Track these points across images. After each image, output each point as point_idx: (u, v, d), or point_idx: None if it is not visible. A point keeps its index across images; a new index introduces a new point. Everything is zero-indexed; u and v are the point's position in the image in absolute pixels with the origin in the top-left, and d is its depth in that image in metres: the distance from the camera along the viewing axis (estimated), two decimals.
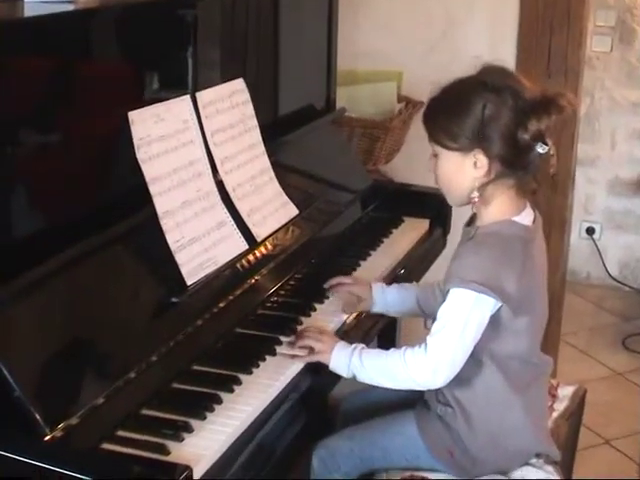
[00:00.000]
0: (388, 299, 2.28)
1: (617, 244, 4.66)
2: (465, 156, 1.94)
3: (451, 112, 1.95)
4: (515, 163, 1.93)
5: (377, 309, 2.30)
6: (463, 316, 1.89)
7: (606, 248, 4.67)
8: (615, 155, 4.57)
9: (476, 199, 1.97)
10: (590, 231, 4.67)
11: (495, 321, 1.93)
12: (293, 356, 2.02)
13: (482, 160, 1.93)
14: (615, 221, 4.64)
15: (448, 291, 1.93)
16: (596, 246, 4.66)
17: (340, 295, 2.28)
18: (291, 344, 2.06)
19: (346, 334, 2.19)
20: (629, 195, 4.60)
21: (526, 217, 2.00)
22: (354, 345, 2.03)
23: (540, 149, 1.91)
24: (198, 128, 2.16)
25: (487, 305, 1.90)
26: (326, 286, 2.29)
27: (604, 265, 4.66)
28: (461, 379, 1.97)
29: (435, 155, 2.00)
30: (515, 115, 1.90)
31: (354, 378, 2.02)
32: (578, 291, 4.52)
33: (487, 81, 1.93)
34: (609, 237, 4.67)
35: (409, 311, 2.30)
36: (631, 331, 4.21)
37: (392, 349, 2.01)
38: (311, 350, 2.02)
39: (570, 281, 4.02)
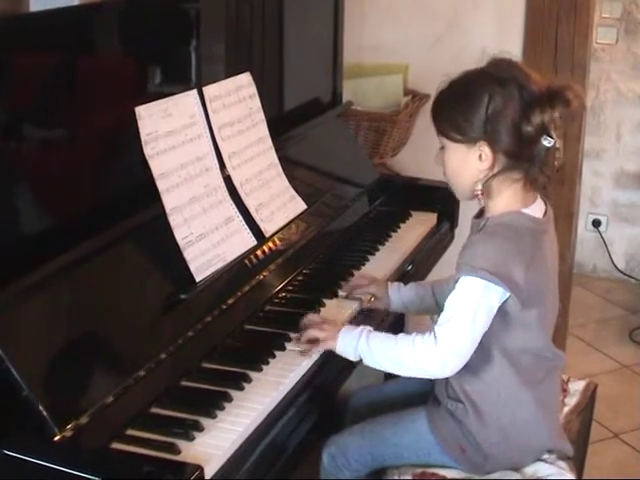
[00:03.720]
0: (405, 298, 2.28)
1: (623, 236, 4.64)
2: (470, 148, 1.93)
3: (457, 104, 1.94)
4: (520, 156, 1.92)
5: (394, 308, 2.30)
6: (472, 305, 1.88)
7: (612, 240, 4.65)
8: (621, 147, 4.55)
9: (479, 192, 1.95)
10: (596, 223, 4.64)
11: (504, 313, 1.91)
12: (301, 352, 2.01)
13: (487, 152, 1.91)
14: (621, 213, 4.62)
15: (457, 280, 1.92)
16: (602, 238, 4.63)
17: (355, 293, 2.28)
18: (298, 340, 2.05)
19: None
20: (635, 187, 4.57)
21: (536, 210, 1.98)
22: (361, 327, 2.01)
23: (546, 142, 1.90)
24: (205, 123, 2.14)
25: (496, 294, 1.88)
26: (343, 292, 2.29)
27: (610, 258, 4.64)
28: (472, 374, 1.96)
29: (442, 148, 1.99)
30: (520, 107, 1.88)
31: (360, 362, 2.00)
32: (584, 284, 4.50)
33: (493, 73, 1.92)
34: (615, 229, 4.64)
35: (427, 308, 2.29)
36: (638, 324, 4.19)
37: (401, 334, 1.98)
38: (316, 341, 2.01)
39: (576, 274, 4.01)
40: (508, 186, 1.94)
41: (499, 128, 1.89)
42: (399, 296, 2.29)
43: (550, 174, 1.96)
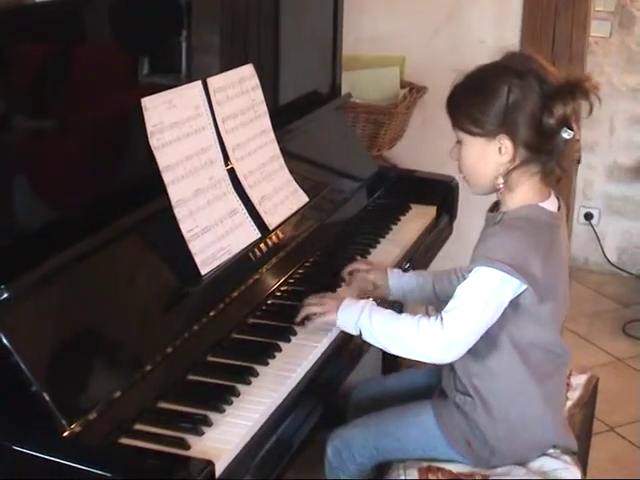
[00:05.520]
0: (405, 286, 2.26)
1: (615, 230, 4.64)
2: (489, 142, 1.91)
3: (475, 97, 1.92)
4: (540, 148, 1.90)
5: (394, 296, 2.28)
6: (485, 295, 1.86)
7: (604, 234, 4.65)
8: (614, 141, 4.54)
9: (501, 186, 1.94)
10: (588, 217, 4.64)
11: (518, 306, 1.90)
12: (301, 323, 2.02)
13: (507, 146, 1.90)
14: (613, 207, 4.62)
15: (471, 270, 1.90)
16: (595, 232, 4.63)
17: (355, 281, 2.26)
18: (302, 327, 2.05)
19: None
20: (627, 181, 4.57)
21: (551, 204, 1.97)
22: (363, 301, 2.00)
23: (565, 134, 1.88)
24: (210, 114, 2.12)
25: (511, 287, 1.87)
26: (343, 273, 2.27)
27: (602, 251, 4.64)
28: (482, 368, 1.95)
29: (459, 142, 1.97)
30: (540, 100, 1.87)
31: (360, 335, 1.99)
32: (577, 277, 4.49)
33: (511, 66, 1.91)
34: (607, 223, 4.64)
35: (426, 298, 2.28)
36: (631, 317, 4.19)
37: (404, 314, 1.96)
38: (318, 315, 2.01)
39: (569, 267, 4.00)
40: (527, 179, 1.93)
41: (519, 121, 1.87)
42: (399, 284, 2.27)
43: (566, 167, 1.95)
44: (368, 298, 2.20)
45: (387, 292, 2.26)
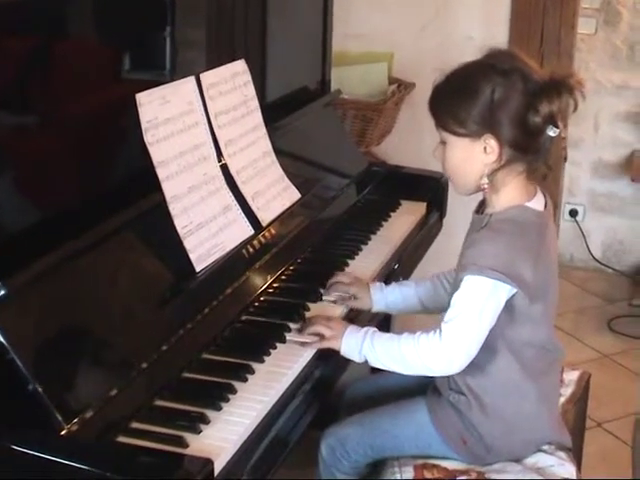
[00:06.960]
0: (388, 298, 2.24)
1: (600, 226, 4.64)
2: (475, 142, 1.89)
3: (459, 97, 1.90)
4: (526, 147, 1.89)
5: (377, 309, 2.25)
6: (479, 304, 1.86)
7: (589, 230, 4.65)
8: (599, 137, 4.55)
9: (485, 186, 1.92)
10: (573, 213, 4.65)
11: (510, 308, 1.89)
12: (303, 344, 1.98)
13: (493, 145, 1.88)
14: (598, 203, 4.62)
15: (462, 279, 1.89)
16: (579, 228, 4.64)
17: (335, 292, 2.23)
18: (300, 332, 2.02)
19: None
20: (612, 177, 4.58)
21: (538, 202, 1.96)
22: (365, 328, 1.99)
23: (551, 132, 1.87)
24: (203, 110, 2.11)
25: (503, 292, 1.86)
26: (326, 290, 2.24)
27: (587, 247, 4.65)
28: (474, 367, 1.94)
29: (443, 142, 1.94)
30: (525, 98, 1.85)
31: (366, 362, 1.99)
32: (562, 273, 4.43)
33: (494, 64, 1.88)
34: (592, 219, 4.65)
35: (411, 309, 2.26)
36: (616, 313, 4.20)
37: (405, 333, 1.96)
38: (321, 337, 1.99)
39: None
40: (512, 179, 1.92)
41: (504, 120, 1.85)
42: (382, 296, 2.25)
43: (553, 164, 1.95)
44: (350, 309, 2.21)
45: (369, 304, 2.24)
